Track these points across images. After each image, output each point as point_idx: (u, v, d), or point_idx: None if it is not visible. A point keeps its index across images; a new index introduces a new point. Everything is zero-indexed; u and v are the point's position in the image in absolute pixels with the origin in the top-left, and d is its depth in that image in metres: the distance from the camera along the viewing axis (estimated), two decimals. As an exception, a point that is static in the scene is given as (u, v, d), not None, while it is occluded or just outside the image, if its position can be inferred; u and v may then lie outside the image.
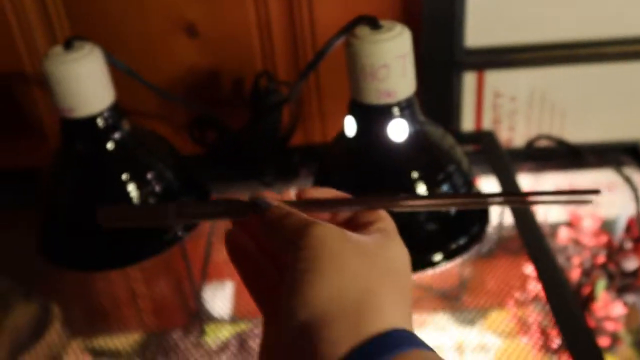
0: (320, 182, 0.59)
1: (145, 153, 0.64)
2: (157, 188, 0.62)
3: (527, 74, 0.75)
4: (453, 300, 0.62)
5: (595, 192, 0.31)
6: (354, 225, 0.33)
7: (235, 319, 0.62)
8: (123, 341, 0.60)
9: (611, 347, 0.61)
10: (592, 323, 0.62)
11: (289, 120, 0.74)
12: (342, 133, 0.58)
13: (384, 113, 0.54)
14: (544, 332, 0.56)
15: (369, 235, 0.32)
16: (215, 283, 0.67)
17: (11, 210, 0.76)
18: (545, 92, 0.77)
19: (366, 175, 0.57)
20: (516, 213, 0.65)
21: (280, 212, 0.32)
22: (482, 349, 0.55)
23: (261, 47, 0.75)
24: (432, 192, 0.35)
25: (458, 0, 0.70)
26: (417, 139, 0.55)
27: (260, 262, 0.35)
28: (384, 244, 0.31)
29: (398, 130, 0.54)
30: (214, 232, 0.71)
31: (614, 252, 0.66)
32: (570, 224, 0.71)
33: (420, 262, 0.56)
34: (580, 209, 0.70)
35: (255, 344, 0.59)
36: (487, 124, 0.80)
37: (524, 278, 0.62)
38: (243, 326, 0.61)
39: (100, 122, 0.60)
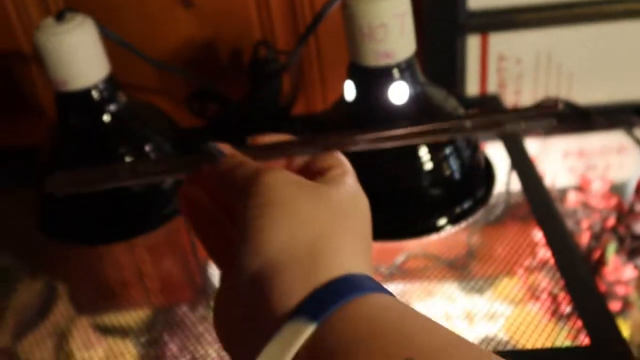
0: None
1: (143, 125, 0.64)
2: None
3: (533, 35, 0.74)
4: (461, 269, 0.61)
5: (555, 106, 0.31)
6: (311, 172, 0.32)
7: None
8: (129, 318, 0.60)
9: (622, 311, 0.61)
10: (602, 287, 0.61)
11: (289, 89, 0.73)
12: (341, 98, 0.57)
13: (383, 75, 0.53)
14: (554, 298, 0.55)
15: (325, 181, 0.31)
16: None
17: (13, 189, 0.76)
18: (552, 53, 0.75)
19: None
20: (523, 178, 0.64)
21: (232, 162, 0.31)
22: (491, 317, 0.54)
23: (259, 16, 0.74)
24: (392, 125, 0.33)
25: (459, -39, 0.69)
26: (418, 101, 0.54)
27: (215, 216, 0.34)
28: (339, 189, 0.30)
29: (398, 92, 0.53)
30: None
31: (624, 214, 0.65)
32: (579, 188, 0.70)
33: (425, 226, 0.56)
34: (590, 172, 0.69)
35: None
36: (492, 88, 0.78)
37: (533, 244, 0.61)
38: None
39: (95, 94, 0.59)
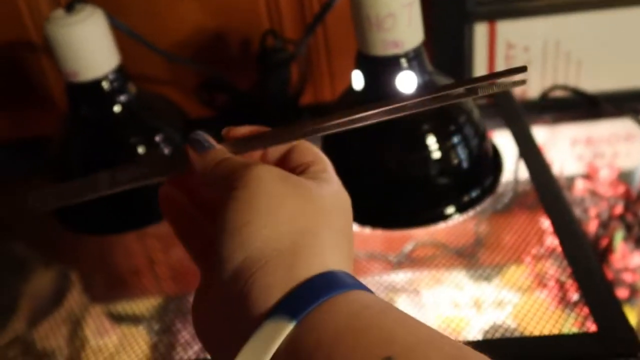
0: (328, 138, 0.59)
1: (153, 116, 0.64)
2: (166, 151, 0.63)
3: (540, 23, 0.73)
4: (469, 257, 0.61)
5: (523, 69, 0.30)
6: (289, 167, 0.32)
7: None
8: (141, 305, 0.61)
9: (630, 299, 0.61)
10: (610, 275, 0.61)
11: (298, 79, 0.73)
12: (349, 88, 0.57)
13: (391, 64, 0.53)
14: (561, 286, 0.55)
15: (308, 177, 0.30)
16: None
17: (26, 179, 0.77)
18: (560, 41, 0.75)
19: (375, 129, 0.56)
20: (531, 166, 0.64)
21: (219, 156, 0.31)
22: (499, 304, 0.55)
23: (267, 6, 0.74)
24: (364, 107, 0.32)
25: (467, -51, 0.68)
26: (426, 90, 0.54)
27: (196, 218, 0.34)
28: (323, 185, 0.30)
29: (407, 81, 0.53)
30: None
31: (631, 202, 0.65)
32: (587, 176, 0.69)
33: (433, 215, 0.56)
34: (598, 159, 0.69)
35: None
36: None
37: (541, 232, 0.61)
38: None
39: (105, 85, 0.60)
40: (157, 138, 0.63)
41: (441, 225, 0.58)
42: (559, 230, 0.56)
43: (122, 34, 0.65)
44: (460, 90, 0.32)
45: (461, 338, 0.51)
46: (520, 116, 0.71)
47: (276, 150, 0.33)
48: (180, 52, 0.76)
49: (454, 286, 0.57)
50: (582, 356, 0.46)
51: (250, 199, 0.28)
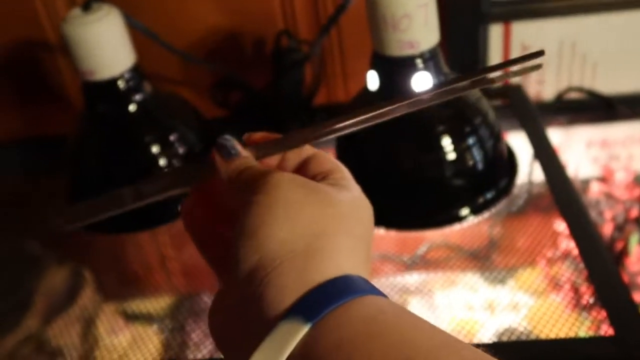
0: (342, 139, 0.59)
1: (168, 115, 0.64)
2: (181, 150, 0.63)
3: (556, 24, 0.73)
4: (483, 260, 0.61)
5: (540, 53, 0.30)
6: (308, 176, 0.32)
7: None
8: (154, 304, 0.61)
9: (646, 302, 0.60)
10: (625, 278, 0.60)
11: (312, 79, 0.73)
12: (364, 88, 0.57)
13: (406, 65, 0.53)
14: (576, 289, 0.55)
15: (328, 184, 0.31)
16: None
17: (41, 177, 0.77)
18: (575, 42, 0.74)
19: (390, 130, 0.56)
20: (546, 169, 0.63)
21: (242, 164, 0.31)
22: (513, 307, 0.54)
23: (281, 6, 0.74)
24: (377, 106, 0.32)
25: (483, -51, 0.68)
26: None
27: (216, 229, 0.34)
28: (343, 192, 0.30)
29: (422, 82, 0.53)
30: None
31: (648, 205, 0.65)
32: (602, 178, 0.69)
33: (447, 216, 0.55)
34: (613, 162, 0.68)
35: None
36: (514, 78, 0.77)
37: (556, 235, 0.60)
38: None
39: (121, 84, 0.60)
40: (172, 137, 0.63)
41: (455, 227, 0.57)
42: (574, 233, 0.56)
43: (138, 33, 0.65)
44: (476, 78, 0.32)
45: (475, 340, 0.51)
46: (535, 118, 0.70)
47: (293, 160, 0.33)
48: (196, 52, 0.76)
49: (468, 288, 0.57)
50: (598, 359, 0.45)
51: (269, 204, 0.28)
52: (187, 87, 0.79)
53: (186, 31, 0.75)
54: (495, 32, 0.74)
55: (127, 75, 0.60)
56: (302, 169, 0.33)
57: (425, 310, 0.54)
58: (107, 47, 0.58)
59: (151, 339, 0.56)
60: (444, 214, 0.56)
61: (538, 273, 0.57)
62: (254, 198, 0.28)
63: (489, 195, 0.57)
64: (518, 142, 0.67)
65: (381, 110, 0.33)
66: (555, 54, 0.75)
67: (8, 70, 0.80)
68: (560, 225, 0.59)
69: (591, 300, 0.51)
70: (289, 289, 0.26)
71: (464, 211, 0.56)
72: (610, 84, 0.77)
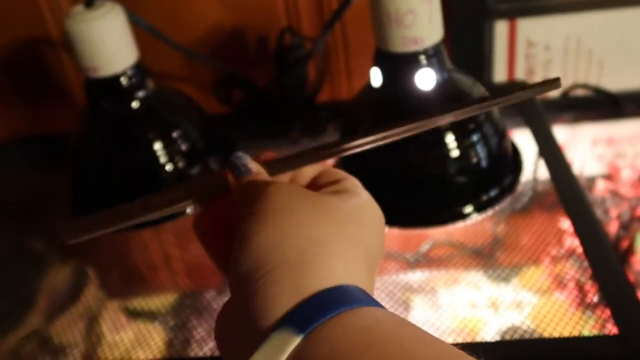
0: (346, 135, 0.59)
1: (171, 112, 0.64)
2: (183, 147, 0.63)
3: (562, 20, 0.73)
4: (486, 258, 0.61)
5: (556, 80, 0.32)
6: (315, 187, 0.32)
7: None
8: (157, 301, 0.61)
9: (651, 301, 0.60)
10: (631, 277, 0.60)
11: (315, 76, 0.73)
12: (368, 85, 0.57)
13: (410, 61, 0.52)
14: (581, 288, 0.54)
15: (331, 192, 0.31)
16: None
17: (44, 175, 0.78)
18: (581, 39, 0.74)
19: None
20: (551, 166, 0.63)
21: (248, 180, 0.31)
22: (517, 305, 0.54)
23: (284, 2, 0.74)
24: (392, 124, 0.33)
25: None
26: (446, 88, 0.54)
27: (228, 240, 0.33)
28: (343, 198, 0.30)
29: (426, 79, 0.53)
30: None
31: (654, 203, 0.64)
32: (608, 176, 0.68)
33: (451, 214, 0.55)
34: (619, 160, 0.68)
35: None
36: (520, 75, 0.77)
37: (560, 233, 0.60)
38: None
39: (124, 80, 0.60)
40: (175, 134, 0.63)
41: (459, 225, 0.57)
42: (579, 231, 0.55)
43: (141, 30, 0.65)
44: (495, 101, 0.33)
45: (478, 339, 0.51)
46: (540, 115, 0.70)
47: (306, 176, 0.34)
48: (198, 49, 0.76)
49: (471, 286, 0.57)
50: (602, 359, 0.45)
51: (261, 213, 0.28)
52: (190, 83, 0.79)
53: (189, 28, 0.75)
54: (500, 28, 0.74)
55: (129, 72, 0.60)
56: (313, 183, 0.33)
57: (428, 308, 0.54)
58: (109, 44, 0.58)
59: (154, 337, 0.56)
60: (448, 212, 0.56)
61: (542, 271, 0.57)
62: (250, 209, 0.29)
63: (493, 193, 0.57)
64: (523, 139, 0.67)
65: (392, 132, 0.33)
66: (561, 50, 0.75)
67: (11, 67, 0.80)
68: (565, 223, 0.59)
69: (596, 299, 0.51)
70: (282, 297, 0.26)
71: (468, 209, 0.56)
72: (616, 81, 0.76)
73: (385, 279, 0.57)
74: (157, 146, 0.62)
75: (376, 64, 0.55)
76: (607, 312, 0.48)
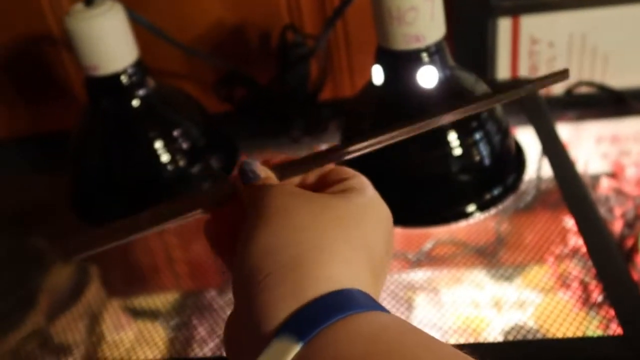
0: (348, 133, 0.58)
1: (172, 110, 0.64)
2: (184, 145, 0.63)
3: (566, 17, 0.72)
4: (489, 257, 0.60)
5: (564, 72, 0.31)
6: (324, 186, 0.32)
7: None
8: (159, 301, 0.61)
9: (656, 301, 0.59)
10: (635, 276, 0.59)
11: (317, 74, 0.72)
12: (369, 82, 0.57)
13: (412, 59, 0.52)
14: (585, 287, 0.54)
15: (333, 192, 0.30)
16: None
17: (45, 173, 0.78)
18: (586, 36, 0.73)
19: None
20: (555, 164, 0.63)
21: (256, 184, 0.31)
22: (520, 305, 0.54)
23: (286, 0, 0.74)
24: (392, 126, 0.33)
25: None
26: (448, 85, 0.53)
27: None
28: (345, 198, 0.29)
29: (427, 76, 0.53)
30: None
31: (659, 201, 0.64)
32: (612, 174, 0.68)
33: (454, 213, 0.55)
34: (624, 158, 0.67)
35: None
36: (523, 72, 0.77)
37: (564, 232, 0.60)
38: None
39: (124, 79, 0.60)
40: (176, 132, 0.62)
41: (462, 224, 0.57)
42: (583, 230, 0.55)
43: (141, 28, 0.65)
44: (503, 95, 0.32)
45: (481, 339, 0.50)
46: (544, 113, 0.70)
47: (314, 176, 0.33)
48: (199, 47, 0.76)
49: (474, 286, 0.56)
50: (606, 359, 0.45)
51: (263, 215, 0.28)
52: (191, 82, 0.79)
53: (190, 25, 0.75)
54: (503, 25, 0.74)
55: (130, 70, 0.60)
56: (321, 181, 0.33)
57: (431, 307, 0.54)
58: (109, 42, 0.58)
59: (156, 335, 0.56)
60: (450, 211, 0.56)
61: (546, 270, 0.57)
62: (250, 213, 0.29)
63: (496, 192, 0.57)
64: (526, 137, 0.67)
65: (400, 131, 0.33)
66: (565, 47, 0.74)
67: (12, 66, 0.80)
68: (569, 222, 0.58)
69: (600, 299, 0.51)
70: (282, 302, 0.25)
71: (471, 208, 0.56)
72: (621, 78, 0.76)
73: (388, 278, 0.57)
74: (158, 145, 0.61)
75: (378, 61, 0.55)
76: (612, 312, 0.48)
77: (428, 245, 0.59)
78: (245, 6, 0.74)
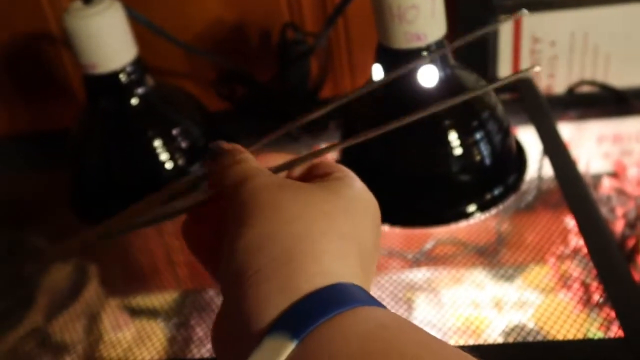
0: (347, 132, 0.58)
1: (171, 108, 0.64)
2: (184, 144, 0.62)
3: (568, 16, 0.72)
4: (490, 257, 0.60)
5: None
6: (308, 179, 0.31)
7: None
8: (158, 300, 0.61)
9: (658, 302, 0.59)
10: (637, 277, 0.59)
11: (318, 72, 0.72)
12: (369, 81, 0.56)
13: (413, 58, 0.52)
14: (586, 288, 0.54)
15: (320, 183, 0.29)
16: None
17: (46, 172, 0.78)
18: (588, 34, 0.73)
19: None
20: (556, 164, 0.63)
21: (231, 160, 0.30)
22: (521, 305, 0.54)
23: (287, -3, 0.74)
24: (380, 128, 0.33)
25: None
26: (449, 84, 0.53)
27: (216, 244, 0.32)
28: (333, 189, 0.29)
29: (428, 75, 0.52)
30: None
31: (661, 202, 0.64)
32: (614, 174, 0.68)
33: (454, 213, 0.55)
34: (626, 157, 0.67)
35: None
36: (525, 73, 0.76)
37: (565, 232, 0.59)
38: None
39: (123, 77, 0.60)
40: (175, 131, 0.62)
41: (462, 224, 0.57)
42: (584, 230, 0.55)
43: (140, 25, 0.65)
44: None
45: (481, 340, 0.50)
46: (545, 112, 0.69)
47: (299, 168, 0.33)
48: (199, 45, 0.75)
49: (474, 286, 0.56)
50: (607, 362, 0.44)
51: (249, 210, 0.27)
52: (191, 80, 0.79)
53: (189, 23, 0.75)
54: (505, 24, 0.73)
55: (129, 69, 0.60)
56: (306, 176, 0.32)
57: (431, 307, 0.54)
58: (108, 40, 0.57)
59: (155, 334, 0.56)
60: (451, 211, 0.56)
61: (547, 271, 0.57)
62: (234, 209, 0.28)
63: (497, 192, 0.56)
64: (527, 136, 0.66)
65: (383, 130, 0.33)
66: (567, 46, 0.74)
67: (10, 64, 0.80)
68: (570, 222, 0.58)
69: (601, 300, 0.50)
70: (273, 298, 0.24)
71: (471, 208, 0.56)
72: (623, 77, 0.75)
73: (387, 278, 0.57)
74: (157, 143, 0.61)
75: (378, 60, 0.55)
76: (613, 313, 0.48)
77: (428, 246, 0.59)
78: (245, 4, 0.74)
